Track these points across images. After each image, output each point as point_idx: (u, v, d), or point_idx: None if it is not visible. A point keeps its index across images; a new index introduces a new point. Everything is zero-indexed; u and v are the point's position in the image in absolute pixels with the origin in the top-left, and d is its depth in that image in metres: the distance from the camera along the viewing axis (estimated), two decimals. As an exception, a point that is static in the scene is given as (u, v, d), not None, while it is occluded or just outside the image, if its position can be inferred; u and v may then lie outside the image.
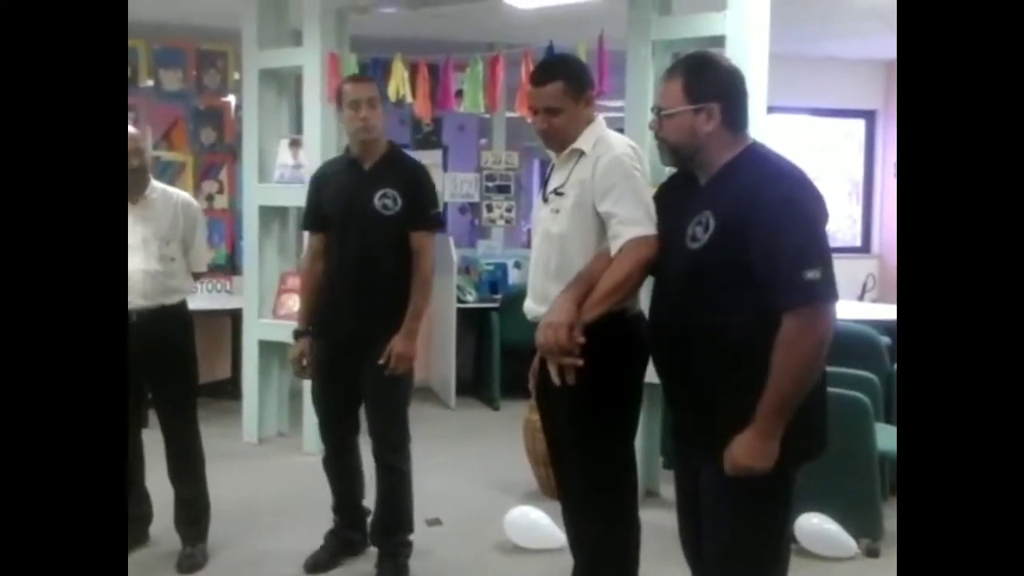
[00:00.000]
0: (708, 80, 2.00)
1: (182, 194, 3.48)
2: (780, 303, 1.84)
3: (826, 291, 1.84)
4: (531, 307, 2.47)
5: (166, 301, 3.28)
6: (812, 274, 1.81)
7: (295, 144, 4.79)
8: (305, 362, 3.18)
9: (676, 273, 2.09)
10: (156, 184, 3.36)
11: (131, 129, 3.35)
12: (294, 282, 4.80)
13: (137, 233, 3.21)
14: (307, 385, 3.84)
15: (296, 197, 4.54)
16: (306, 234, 3.54)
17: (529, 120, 2.67)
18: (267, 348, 4.90)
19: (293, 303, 4.79)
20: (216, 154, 6.07)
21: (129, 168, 3.19)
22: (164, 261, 3.25)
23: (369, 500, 3.27)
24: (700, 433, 2.06)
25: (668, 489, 3.97)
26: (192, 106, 6.03)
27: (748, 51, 3.60)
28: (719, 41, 3.70)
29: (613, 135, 2.47)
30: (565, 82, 2.41)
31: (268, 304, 4.91)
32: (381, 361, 2.97)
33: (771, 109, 3.82)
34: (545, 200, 2.47)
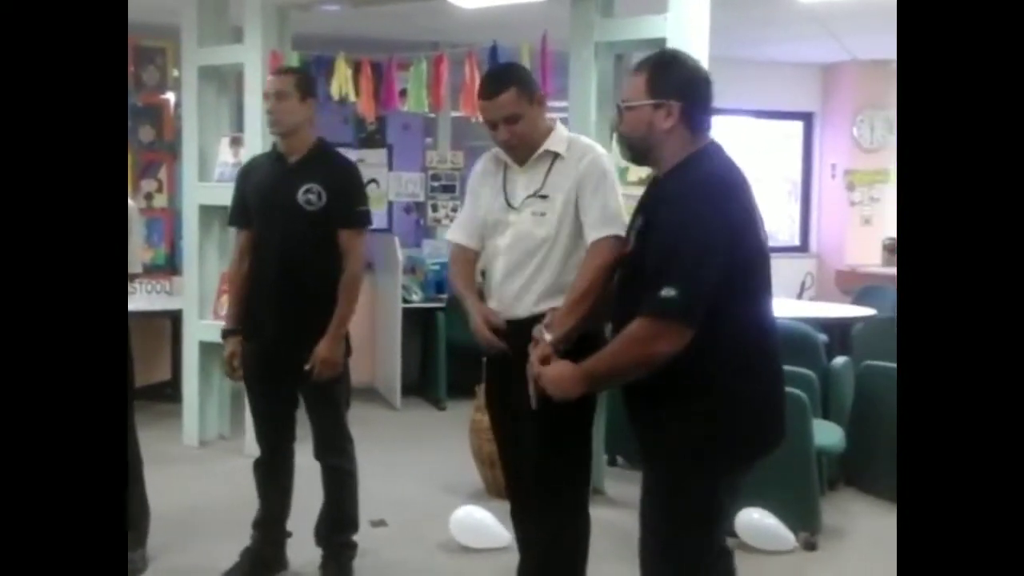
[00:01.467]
0: (671, 77, 2.01)
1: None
2: (639, 310, 1.92)
3: (675, 311, 1.86)
4: (502, 309, 2.51)
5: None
6: (667, 292, 1.85)
7: (236, 142, 4.73)
8: (236, 363, 3.11)
9: (619, 275, 2.14)
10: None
11: None
12: (235, 282, 4.74)
13: None
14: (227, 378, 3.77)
15: (237, 196, 4.49)
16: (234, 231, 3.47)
17: (476, 121, 2.69)
18: (208, 349, 4.82)
19: (234, 304, 4.73)
20: (155, 152, 5.96)
21: None
22: None
23: (314, 504, 3.22)
24: (637, 436, 2.11)
25: (613, 486, 4.04)
26: (130, 103, 5.90)
27: (688, 54, 3.65)
28: (659, 43, 3.73)
29: (582, 136, 2.59)
30: (517, 88, 2.44)
31: (208, 305, 4.83)
32: (307, 367, 2.92)
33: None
34: (512, 206, 2.48)
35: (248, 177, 3.11)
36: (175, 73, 5.77)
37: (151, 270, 5.55)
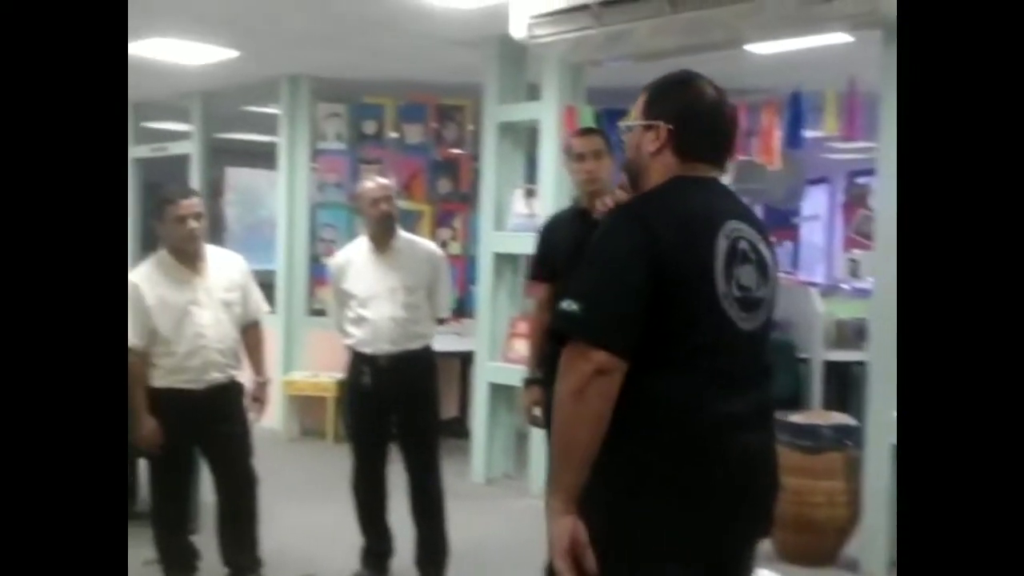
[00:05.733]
0: (667, 99, 1.82)
1: (427, 243, 3.66)
2: None
3: (576, 325, 1.64)
4: None
5: (411, 346, 3.44)
6: (568, 304, 1.65)
7: (530, 194, 4.93)
8: (537, 411, 3.20)
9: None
10: (402, 234, 3.55)
11: (382, 179, 3.58)
12: (523, 327, 4.90)
13: (385, 282, 3.40)
14: (534, 428, 3.88)
15: (529, 245, 4.65)
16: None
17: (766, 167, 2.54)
18: (496, 390, 5.02)
19: (522, 347, 4.88)
20: (451, 203, 6.37)
21: (379, 217, 3.40)
22: (409, 308, 3.42)
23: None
24: None
25: None
26: (430, 158, 6.37)
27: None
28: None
29: None
30: None
31: (499, 348, 5.04)
32: None
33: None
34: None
35: (553, 233, 3.23)
36: (471, 128, 6.17)
37: (445, 313, 5.91)
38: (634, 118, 1.86)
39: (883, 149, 3.75)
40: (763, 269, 1.79)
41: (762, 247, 1.80)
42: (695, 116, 1.80)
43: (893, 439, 3.40)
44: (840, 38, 4.29)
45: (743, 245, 1.75)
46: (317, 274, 6.38)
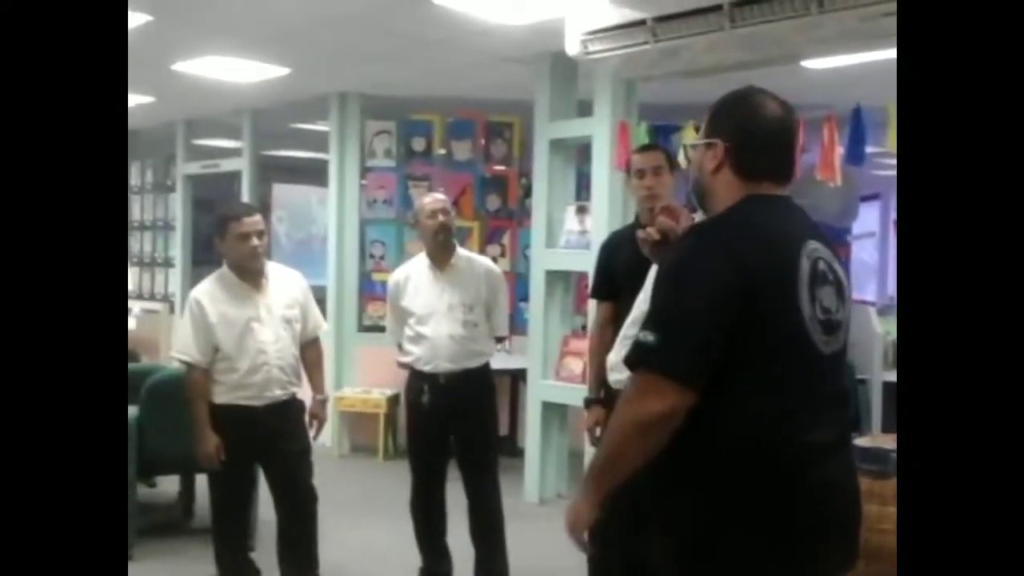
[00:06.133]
0: (726, 115, 1.77)
1: (485, 261, 3.66)
2: None
3: (653, 358, 1.58)
4: None
5: (470, 364, 3.43)
6: (644, 335, 1.60)
7: (582, 211, 4.91)
8: (599, 432, 3.17)
9: None
10: (461, 251, 3.55)
11: (441, 196, 3.58)
12: (576, 345, 4.88)
13: (444, 299, 3.40)
14: (588, 446, 3.84)
15: (581, 262, 4.64)
16: (591, 301, 3.57)
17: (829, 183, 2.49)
18: (549, 408, 5.00)
19: (575, 365, 4.86)
20: (500, 219, 6.37)
21: (438, 228, 3.40)
22: (468, 326, 3.41)
23: None
24: None
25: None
26: (479, 174, 6.39)
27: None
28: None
29: None
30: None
31: (551, 365, 5.01)
32: None
33: None
34: None
35: (614, 250, 3.20)
36: (519, 144, 6.18)
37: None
38: (697, 138, 1.83)
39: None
40: (840, 290, 1.74)
41: (837, 267, 1.76)
42: (753, 133, 1.74)
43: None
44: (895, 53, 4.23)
45: (822, 266, 1.71)
46: (367, 290, 6.41)
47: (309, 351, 3.45)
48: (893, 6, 3.33)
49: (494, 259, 6.25)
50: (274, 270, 3.34)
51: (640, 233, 2.19)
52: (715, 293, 1.59)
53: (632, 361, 1.64)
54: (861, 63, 4.33)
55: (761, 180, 1.74)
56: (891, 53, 4.20)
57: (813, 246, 1.71)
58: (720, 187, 1.75)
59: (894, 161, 5.76)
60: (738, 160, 1.73)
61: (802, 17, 3.49)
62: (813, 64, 4.54)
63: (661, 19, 3.88)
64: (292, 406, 3.32)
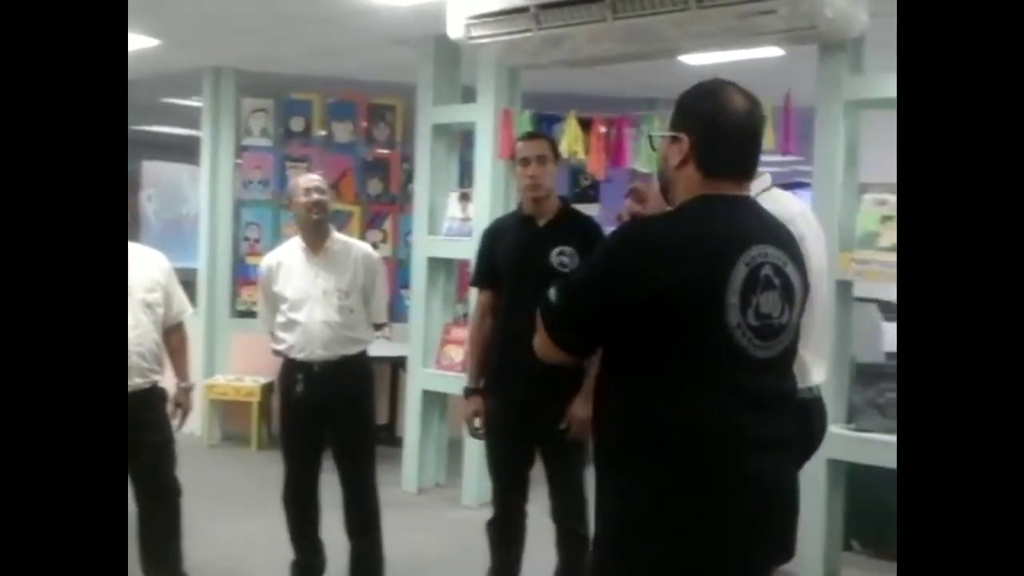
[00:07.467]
0: (691, 109, 1.75)
1: (363, 245, 3.56)
2: None
3: (546, 315, 1.78)
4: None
5: (346, 352, 3.33)
6: (552, 292, 1.78)
7: (464, 198, 4.86)
8: (478, 422, 3.14)
9: None
10: (337, 235, 3.44)
11: (315, 176, 3.46)
12: (457, 333, 4.84)
13: (318, 285, 3.29)
14: (467, 436, 3.82)
15: (463, 250, 4.61)
16: (472, 289, 3.53)
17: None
18: (429, 397, 4.94)
19: (455, 354, 4.82)
20: (381, 204, 6.25)
21: (311, 206, 3.28)
22: (344, 312, 3.31)
23: (545, 564, 3.18)
24: None
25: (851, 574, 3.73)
26: (361, 157, 6.25)
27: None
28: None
29: None
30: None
31: (432, 354, 4.96)
32: (562, 426, 2.90)
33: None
34: None
35: (496, 239, 3.17)
36: (402, 128, 6.08)
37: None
38: (666, 128, 1.81)
39: (819, 163, 3.81)
40: (788, 293, 1.73)
41: (789, 269, 1.74)
42: (719, 129, 1.72)
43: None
44: (772, 52, 4.36)
45: (767, 271, 1.69)
46: (241, 273, 6.19)
47: (172, 337, 3.29)
48: (769, 5, 3.43)
49: (375, 245, 6.14)
50: (134, 251, 3.16)
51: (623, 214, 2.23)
52: (608, 291, 1.68)
53: (540, 306, 1.80)
54: (739, 60, 4.44)
55: (722, 178, 1.73)
56: (768, 51, 4.35)
57: (758, 251, 1.69)
58: (681, 182, 1.75)
59: (772, 158, 5.92)
60: (702, 156, 1.72)
61: (681, 12, 3.55)
62: (692, 59, 4.63)
63: (545, 7, 3.86)
64: (153, 395, 3.16)
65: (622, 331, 1.68)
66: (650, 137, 1.92)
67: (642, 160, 4.35)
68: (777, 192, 2.49)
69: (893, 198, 3.54)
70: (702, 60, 4.62)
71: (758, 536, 1.72)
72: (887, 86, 3.64)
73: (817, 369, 2.42)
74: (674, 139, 1.74)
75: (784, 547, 1.85)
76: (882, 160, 4.67)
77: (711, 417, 1.65)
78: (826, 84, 3.76)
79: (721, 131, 1.72)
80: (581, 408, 2.90)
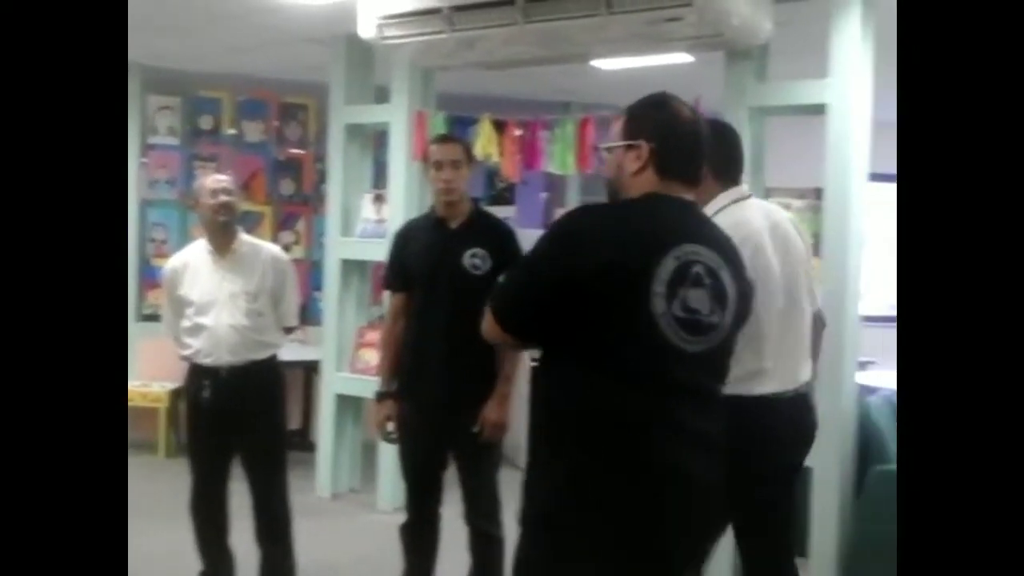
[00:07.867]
0: (647, 119, 1.89)
1: (271, 247, 3.48)
2: None
3: (495, 296, 1.90)
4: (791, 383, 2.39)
5: (255, 356, 3.26)
6: (504, 276, 1.96)
7: (378, 199, 4.82)
8: (391, 426, 3.11)
9: None
10: (244, 237, 3.35)
11: (222, 177, 3.37)
12: (371, 336, 4.79)
13: (225, 288, 3.21)
14: (381, 441, 3.78)
15: (377, 252, 4.56)
16: (385, 292, 3.50)
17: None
18: (343, 401, 4.88)
19: (370, 357, 4.77)
20: (294, 205, 6.15)
21: (218, 208, 3.20)
22: (252, 316, 3.24)
23: (458, 567, 3.18)
24: None
25: None
26: (272, 157, 6.13)
27: (851, 119, 3.54)
28: (819, 109, 3.64)
29: None
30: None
31: (346, 358, 4.90)
32: (475, 429, 2.90)
33: (877, 177, 3.73)
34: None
35: (408, 241, 3.15)
36: (314, 128, 5.99)
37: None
38: (612, 139, 1.92)
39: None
40: (720, 296, 1.80)
41: (724, 273, 1.81)
42: (675, 136, 1.86)
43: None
44: (682, 58, 4.45)
45: (697, 269, 1.77)
46: (147, 276, 5.99)
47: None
48: (677, 12, 3.50)
49: (287, 247, 6.05)
50: None
51: None
52: (545, 271, 1.79)
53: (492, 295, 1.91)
54: (650, 66, 4.52)
55: (676, 181, 1.86)
56: (678, 57, 4.43)
57: (691, 248, 1.78)
58: (638, 186, 1.85)
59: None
60: (661, 161, 1.84)
61: (591, 17, 3.59)
62: (604, 64, 4.69)
63: (458, 8, 3.86)
64: None
65: (556, 312, 1.76)
66: (598, 148, 2.01)
67: (556, 163, 4.39)
68: (755, 202, 2.51)
69: (797, 202, 3.67)
70: (614, 65, 4.68)
71: (676, 529, 1.77)
72: (790, 93, 3.77)
73: (803, 369, 2.45)
74: (630, 147, 1.85)
75: (699, 548, 1.89)
76: (785, 165, 4.84)
77: (633, 401, 1.72)
78: (732, 90, 3.86)
79: (678, 138, 1.86)
80: (494, 411, 2.92)
